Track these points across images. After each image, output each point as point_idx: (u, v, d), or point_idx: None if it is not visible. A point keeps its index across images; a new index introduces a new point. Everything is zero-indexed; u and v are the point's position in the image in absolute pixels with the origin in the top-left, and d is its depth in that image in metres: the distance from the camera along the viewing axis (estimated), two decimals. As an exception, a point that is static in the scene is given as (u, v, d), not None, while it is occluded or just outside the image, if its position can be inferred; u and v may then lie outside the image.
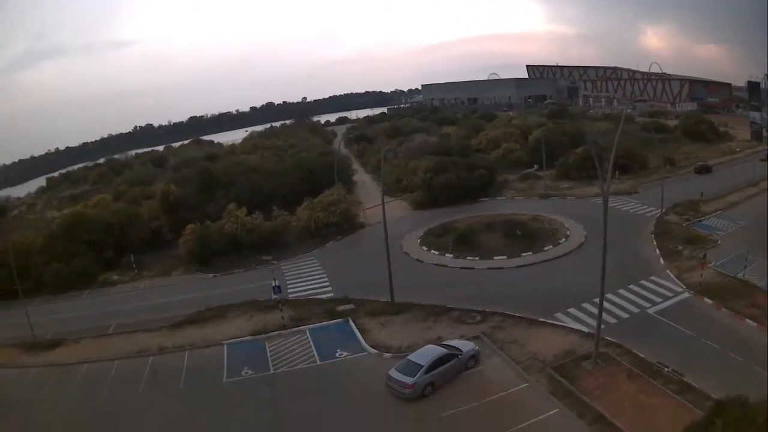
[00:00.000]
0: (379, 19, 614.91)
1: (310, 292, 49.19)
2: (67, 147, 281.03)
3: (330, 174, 74.41)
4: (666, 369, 31.09)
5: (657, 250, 51.55)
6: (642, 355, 32.70)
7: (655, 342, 34.46)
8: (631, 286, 43.31)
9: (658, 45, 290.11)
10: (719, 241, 53.86)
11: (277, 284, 43.54)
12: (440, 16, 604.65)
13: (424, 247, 57.73)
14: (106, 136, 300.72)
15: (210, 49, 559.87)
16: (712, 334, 34.78)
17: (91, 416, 32.27)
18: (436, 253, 55.76)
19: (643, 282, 44.27)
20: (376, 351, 36.84)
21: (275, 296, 43.27)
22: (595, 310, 34.66)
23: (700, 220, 61.17)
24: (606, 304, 36.34)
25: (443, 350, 33.00)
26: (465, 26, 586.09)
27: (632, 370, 31.39)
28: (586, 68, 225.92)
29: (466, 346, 34.24)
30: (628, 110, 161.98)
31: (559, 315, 39.47)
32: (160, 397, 33.95)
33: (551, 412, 28.67)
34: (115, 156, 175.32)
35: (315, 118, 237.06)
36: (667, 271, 46.52)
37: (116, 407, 32.96)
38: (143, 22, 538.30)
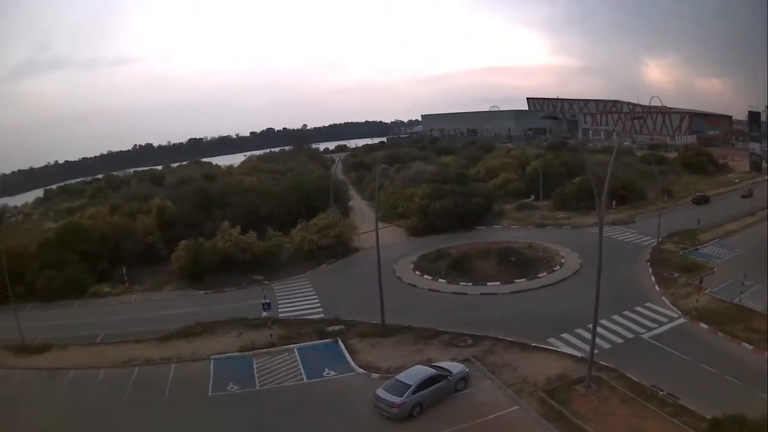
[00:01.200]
0: (381, 49, 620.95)
1: (300, 312, 48.57)
2: (66, 161, 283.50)
3: (326, 198, 74.16)
4: (661, 392, 30.54)
5: (652, 278, 51.23)
6: (636, 379, 32.18)
7: (650, 366, 34.01)
8: (625, 312, 42.85)
9: (660, 78, 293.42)
10: (715, 269, 53.59)
11: (267, 301, 43.07)
12: (443, 47, 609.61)
13: (417, 272, 57.12)
14: (105, 152, 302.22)
15: (211, 73, 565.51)
16: (707, 358, 34.39)
17: (74, 420, 31.84)
18: (429, 278, 55.18)
19: (638, 308, 43.85)
20: (364, 371, 36.23)
21: (265, 313, 42.66)
22: (588, 336, 34.27)
23: (696, 249, 60.85)
24: (600, 330, 36.26)
25: (432, 371, 32.37)
26: (468, 58, 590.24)
27: (626, 394, 30.83)
28: (586, 101, 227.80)
29: (456, 367, 33.60)
30: (626, 143, 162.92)
31: (552, 340, 38.89)
32: (144, 406, 33.40)
33: (542, 436, 28.02)
34: (114, 173, 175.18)
35: (314, 146, 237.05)
36: (663, 297, 46.18)
37: (99, 413, 32.58)
38: (145, 40, 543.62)
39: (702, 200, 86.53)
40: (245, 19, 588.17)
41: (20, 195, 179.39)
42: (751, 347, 35.76)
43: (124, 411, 32.89)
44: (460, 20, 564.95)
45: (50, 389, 35.87)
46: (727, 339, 37.62)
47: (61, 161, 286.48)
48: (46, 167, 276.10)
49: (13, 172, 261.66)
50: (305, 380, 35.92)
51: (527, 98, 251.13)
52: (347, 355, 38.54)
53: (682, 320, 41.50)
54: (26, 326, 43.41)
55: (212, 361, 39.18)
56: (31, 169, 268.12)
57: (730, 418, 22.18)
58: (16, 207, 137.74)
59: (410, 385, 30.49)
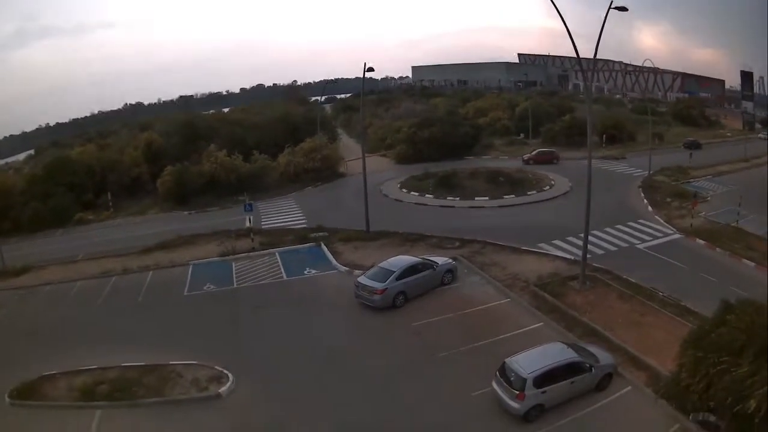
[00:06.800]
0: (373, 9, 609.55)
1: (284, 224, 47.62)
2: (57, 123, 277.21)
3: (313, 129, 73.36)
4: (661, 293, 28.54)
5: (645, 200, 49.87)
6: (633, 280, 30.40)
7: (647, 271, 32.00)
8: (618, 226, 41.43)
9: (654, 46, 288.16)
10: (709, 198, 51.48)
11: (249, 202, 41.92)
12: (433, 7, 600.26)
13: (404, 190, 56.46)
14: (96, 112, 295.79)
15: (201, 31, 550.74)
16: (708, 269, 32.26)
17: (43, 329, 30.31)
18: (416, 194, 54.47)
19: (631, 223, 42.38)
20: (346, 268, 34.98)
21: (248, 217, 41.65)
22: (580, 243, 32.36)
23: (688, 182, 58.61)
24: (592, 239, 35.01)
25: (417, 259, 31.03)
26: (458, 18, 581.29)
27: (624, 292, 29.08)
28: (577, 59, 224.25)
29: (442, 259, 32.23)
30: (618, 96, 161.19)
31: (543, 245, 37.51)
32: (116, 309, 32.21)
33: (536, 325, 26.56)
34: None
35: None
36: (656, 216, 44.66)
37: (70, 320, 31.29)
38: (132, 2, 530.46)
39: (693, 145, 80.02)
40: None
41: (13, 157, 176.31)
42: (754, 264, 33.43)
43: (95, 315, 31.76)
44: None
45: (24, 304, 34.66)
46: (727, 255, 35.44)
47: (52, 124, 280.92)
48: (38, 130, 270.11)
49: (5, 137, 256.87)
50: (285, 278, 34.83)
51: (518, 54, 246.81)
52: (329, 255, 37.42)
53: (677, 235, 39.81)
54: (9, 255, 42.69)
55: (190, 266, 38.02)
56: (24, 134, 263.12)
57: (743, 301, 20.48)
58: (7, 163, 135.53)
59: (393, 272, 29.11)
